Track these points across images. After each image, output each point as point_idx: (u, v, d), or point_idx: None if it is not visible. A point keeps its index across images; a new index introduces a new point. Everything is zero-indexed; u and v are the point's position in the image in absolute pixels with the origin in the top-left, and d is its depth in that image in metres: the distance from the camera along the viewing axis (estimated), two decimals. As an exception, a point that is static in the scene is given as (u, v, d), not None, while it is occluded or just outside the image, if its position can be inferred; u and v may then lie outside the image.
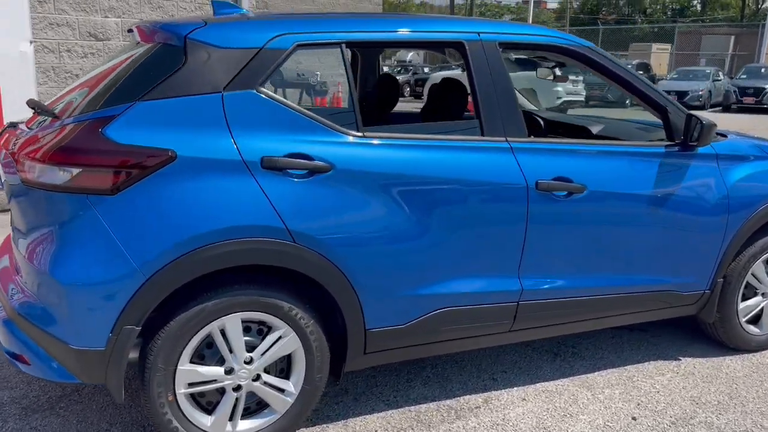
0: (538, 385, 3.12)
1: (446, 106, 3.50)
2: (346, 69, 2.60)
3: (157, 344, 2.27)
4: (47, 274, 2.19)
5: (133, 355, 2.33)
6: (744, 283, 3.38)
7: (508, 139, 2.74)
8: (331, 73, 7.48)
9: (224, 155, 2.27)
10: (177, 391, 2.32)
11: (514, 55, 22.81)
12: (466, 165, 2.63)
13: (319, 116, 2.47)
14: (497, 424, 2.77)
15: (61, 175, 2.15)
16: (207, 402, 2.43)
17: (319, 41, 2.54)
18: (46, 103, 2.60)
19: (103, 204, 2.16)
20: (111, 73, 2.47)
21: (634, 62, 25.58)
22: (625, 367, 3.32)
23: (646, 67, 25.68)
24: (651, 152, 3.05)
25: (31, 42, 5.99)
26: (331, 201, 2.40)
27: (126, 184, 2.17)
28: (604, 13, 60.41)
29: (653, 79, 25.63)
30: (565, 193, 2.79)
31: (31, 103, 2.60)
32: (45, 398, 2.88)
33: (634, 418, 2.85)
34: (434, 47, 3.00)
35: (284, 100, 2.43)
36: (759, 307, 3.49)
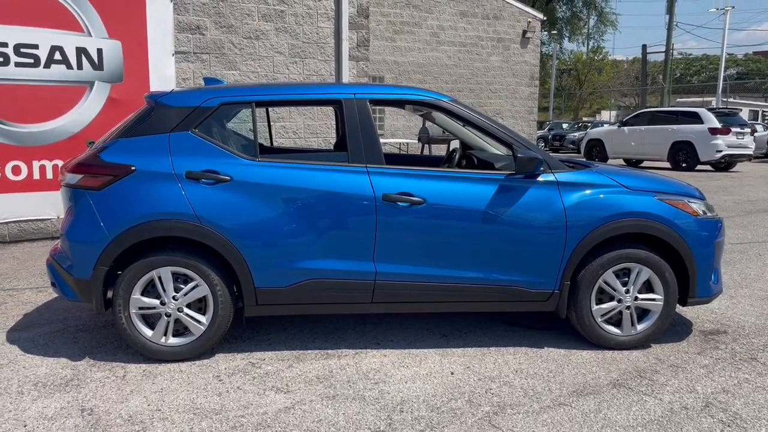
0: (407, 350, 4.16)
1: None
2: (253, 120, 4.03)
3: (119, 281, 3.83)
4: (65, 235, 3.87)
5: (111, 293, 3.91)
6: (595, 288, 4.12)
7: (368, 165, 3.95)
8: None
9: (164, 170, 3.81)
10: (130, 311, 3.85)
11: (654, 113, 22.25)
12: (331, 181, 3.90)
13: (229, 147, 3.92)
14: (348, 365, 3.90)
15: (74, 178, 3.84)
16: (151, 322, 3.92)
17: (237, 101, 4.03)
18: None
19: (93, 195, 3.80)
20: (124, 121, 4.16)
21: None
22: (489, 348, 4.21)
23: None
24: (493, 178, 4.03)
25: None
26: (229, 200, 3.82)
27: (106, 184, 3.80)
28: None
29: None
30: (408, 204, 3.90)
31: (87, 142, 4.37)
32: (92, 325, 4.59)
33: (452, 373, 3.80)
34: (320, 105, 4.27)
35: (208, 137, 3.93)
36: (616, 311, 4.18)
